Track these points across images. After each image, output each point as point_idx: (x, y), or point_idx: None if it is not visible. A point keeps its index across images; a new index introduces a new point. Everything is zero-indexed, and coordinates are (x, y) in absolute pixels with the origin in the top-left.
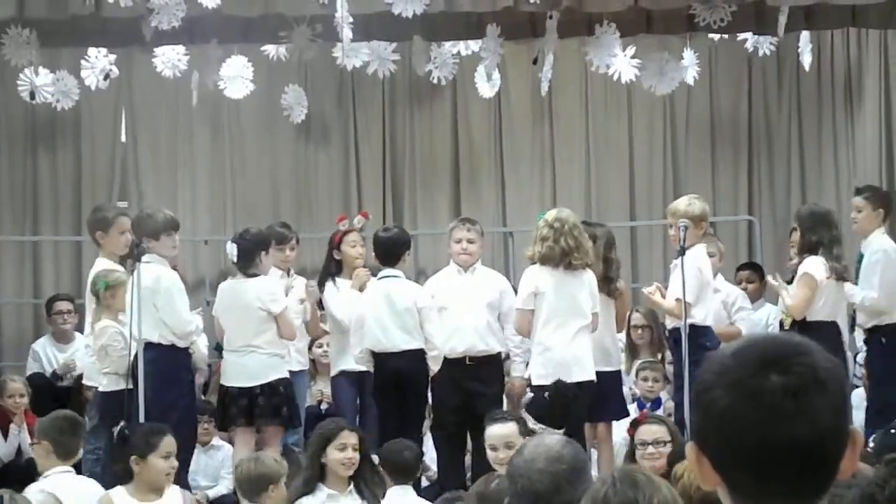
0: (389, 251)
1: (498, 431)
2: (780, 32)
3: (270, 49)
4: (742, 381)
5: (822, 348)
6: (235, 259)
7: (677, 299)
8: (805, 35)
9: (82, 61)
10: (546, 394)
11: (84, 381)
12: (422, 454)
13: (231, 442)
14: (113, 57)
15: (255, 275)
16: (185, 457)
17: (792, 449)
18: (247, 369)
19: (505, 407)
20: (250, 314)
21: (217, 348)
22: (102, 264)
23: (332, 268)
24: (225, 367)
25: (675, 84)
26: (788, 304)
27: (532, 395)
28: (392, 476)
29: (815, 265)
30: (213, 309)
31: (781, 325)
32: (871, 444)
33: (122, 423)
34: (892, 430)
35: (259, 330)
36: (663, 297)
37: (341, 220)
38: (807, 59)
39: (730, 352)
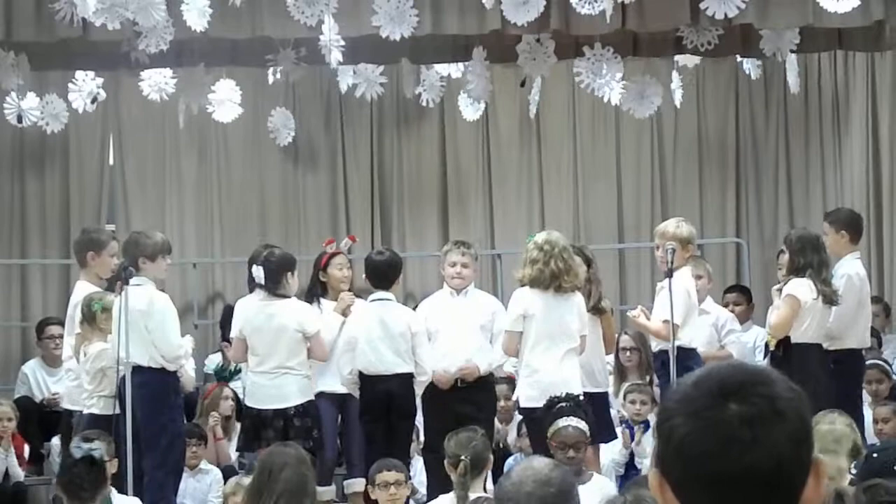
0: (384, 274)
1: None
2: (784, 56)
3: (269, 71)
4: (701, 410)
5: (785, 378)
6: (263, 281)
7: (664, 321)
8: (792, 58)
9: (70, 84)
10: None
11: (66, 406)
12: (409, 477)
13: (218, 464)
14: (100, 80)
15: (284, 296)
16: (174, 480)
17: (750, 478)
18: (281, 391)
19: (497, 428)
20: (286, 336)
21: (216, 372)
22: (84, 287)
23: (317, 290)
24: (253, 390)
25: (653, 107)
26: (772, 324)
27: (522, 417)
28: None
29: (799, 287)
30: (236, 331)
31: (767, 346)
32: (854, 470)
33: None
34: (875, 454)
35: (295, 351)
36: (648, 319)
37: (329, 244)
38: (794, 82)
39: (691, 380)
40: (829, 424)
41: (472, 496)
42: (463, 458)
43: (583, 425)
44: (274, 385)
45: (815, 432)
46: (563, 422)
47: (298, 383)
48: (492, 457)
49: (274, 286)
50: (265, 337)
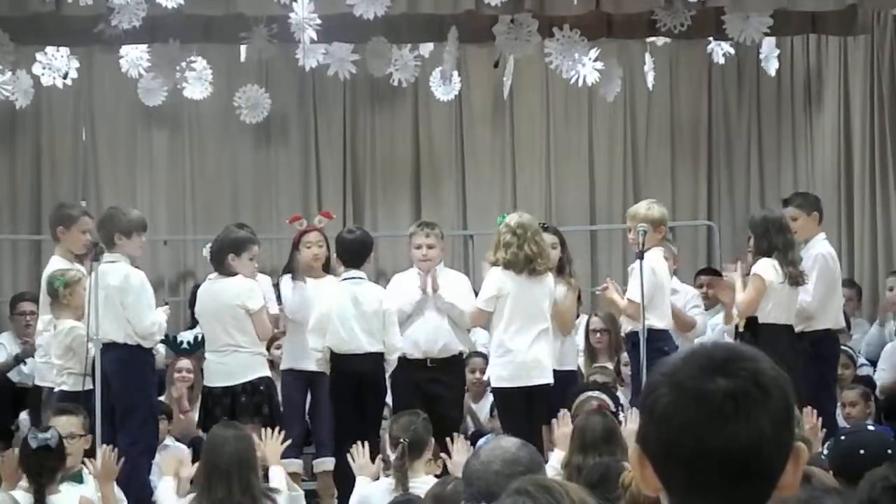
0: (355, 253)
1: None
2: (757, 39)
3: (243, 48)
4: (686, 382)
5: (769, 358)
6: (210, 259)
7: (630, 300)
8: (769, 42)
9: (42, 58)
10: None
11: (37, 382)
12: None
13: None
14: (73, 55)
15: (231, 274)
16: (148, 458)
17: (729, 453)
18: (228, 367)
19: (466, 408)
20: (229, 313)
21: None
22: (57, 262)
23: (291, 267)
24: (208, 367)
25: (617, 88)
26: (738, 302)
27: (494, 397)
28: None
29: (764, 267)
30: (196, 312)
31: (737, 328)
32: (825, 452)
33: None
34: (843, 437)
35: (241, 328)
36: (620, 295)
37: (296, 220)
38: (773, 66)
39: (681, 355)
40: None
41: (412, 479)
42: (402, 440)
43: (605, 398)
44: (223, 362)
45: None
46: (585, 395)
47: (247, 360)
48: (432, 441)
49: (217, 265)
50: (212, 315)
